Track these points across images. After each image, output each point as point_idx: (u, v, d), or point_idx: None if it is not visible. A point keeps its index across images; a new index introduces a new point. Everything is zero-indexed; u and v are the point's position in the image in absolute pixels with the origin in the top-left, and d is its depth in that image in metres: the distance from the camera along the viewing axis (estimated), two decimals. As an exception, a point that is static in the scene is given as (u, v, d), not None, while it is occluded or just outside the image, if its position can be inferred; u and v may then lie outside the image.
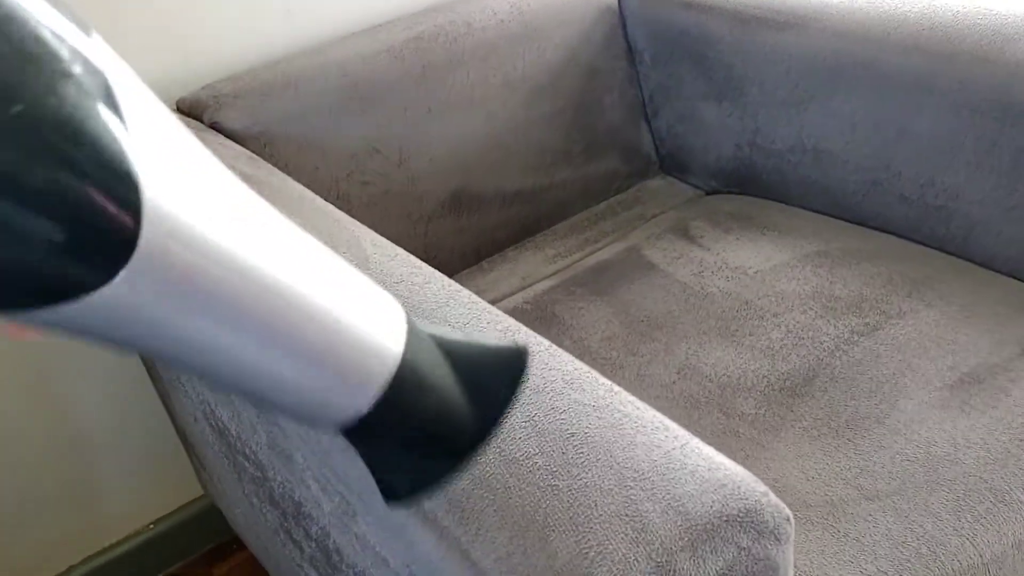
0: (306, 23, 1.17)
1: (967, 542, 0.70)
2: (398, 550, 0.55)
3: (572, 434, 0.50)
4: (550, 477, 0.48)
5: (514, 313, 1.06)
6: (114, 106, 0.26)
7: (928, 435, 0.78)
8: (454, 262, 1.20)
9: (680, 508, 0.46)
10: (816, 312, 0.96)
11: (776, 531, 0.47)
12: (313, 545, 0.75)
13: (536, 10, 1.20)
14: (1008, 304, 0.93)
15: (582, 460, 0.49)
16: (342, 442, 0.56)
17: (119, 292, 0.26)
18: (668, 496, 0.46)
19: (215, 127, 1.01)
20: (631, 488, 0.47)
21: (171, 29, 1.07)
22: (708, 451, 0.50)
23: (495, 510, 0.47)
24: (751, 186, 1.26)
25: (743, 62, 1.18)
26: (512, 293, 1.12)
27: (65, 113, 0.24)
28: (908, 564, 0.68)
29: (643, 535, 0.45)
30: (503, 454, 0.50)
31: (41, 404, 1.16)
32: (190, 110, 1.03)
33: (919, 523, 0.71)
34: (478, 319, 0.61)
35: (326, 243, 0.71)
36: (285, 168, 1.03)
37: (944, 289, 0.96)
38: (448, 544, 0.48)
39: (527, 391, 0.54)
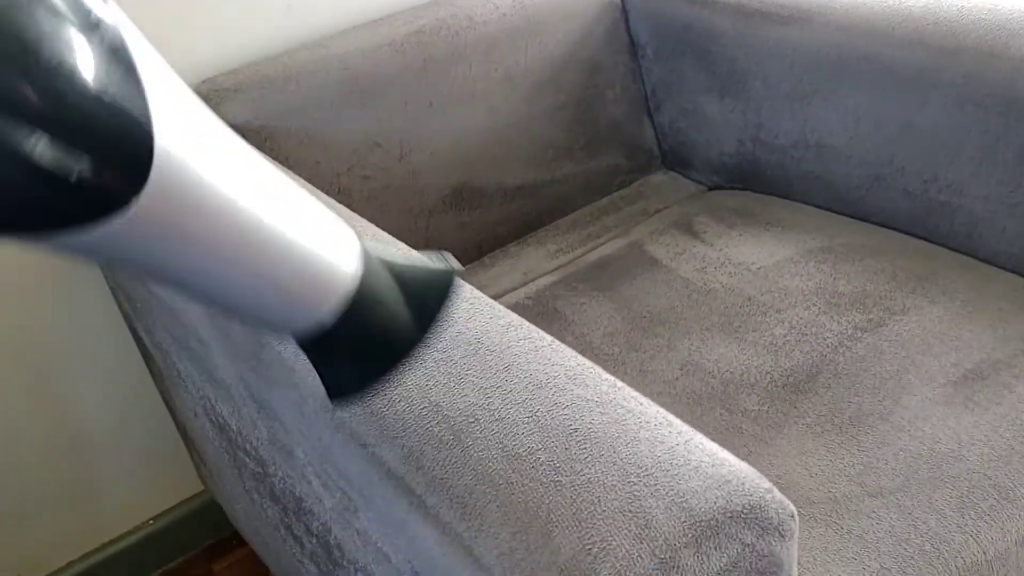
0: (307, 17, 1.16)
1: (971, 539, 0.69)
2: (400, 545, 0.54)
3: (575, 430, 0.50)
4: (553, 473, 0.48)
5: (516, 308, 1.05)
6: (129, 57, 0.30)
7: (932, 432, 0.78)
8: (455, 257, 1.19)
9: (684, 504, 0.45)
10: (819, 308, 0.95)
11: (780, 527, 0.47)
12: (314, 541, 0.75)
13: (538, 4, 1.20)
14: (1012, 300, 0.92)
15: (585, 456, 0.48)
16: (343, 438, 0.56)
17: (135, 217, 0.30)
18: (672, 492, 0.46)
19: (216, 121, 1.00)
20: (635, 484, 0.47)
21: (172, 23, 1.07)
22: (712, 447, 0.49)
23: (498, 506, 0.47)
24: (754, 181, 1.25)
25: (746, 56, 1.17)
26: (514, 288, 1.12)
27: (93, 61, 0.28)
28: (912, 561, 0.68)
29: (647, 531, 0.44)
30: (506, 450, 0.50)
31: (42, 401, 1.15)
32: (191, 104, 1.03)
33: (923, 520, 0.70)
34: (480, 314, 0.61)
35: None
36: (286, 162, 1.03)
37: (948, 285, 0.95)
38: (451, 540, 0.48)
39: (529, 387, 0.54)
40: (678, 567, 0.44)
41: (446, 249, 1.17)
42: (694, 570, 0.44)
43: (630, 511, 0.45)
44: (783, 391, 0.86)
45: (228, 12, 1.10)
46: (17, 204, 0.29)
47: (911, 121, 1.02)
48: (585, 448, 0.49)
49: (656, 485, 0.46)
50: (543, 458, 0.49)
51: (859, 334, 0.90)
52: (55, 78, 0.27)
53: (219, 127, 0.35)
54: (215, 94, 1.02)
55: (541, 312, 1.04)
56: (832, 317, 0.94)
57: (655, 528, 0.44)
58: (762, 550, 0.46)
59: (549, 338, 0.58)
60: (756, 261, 1.05)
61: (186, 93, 0.34)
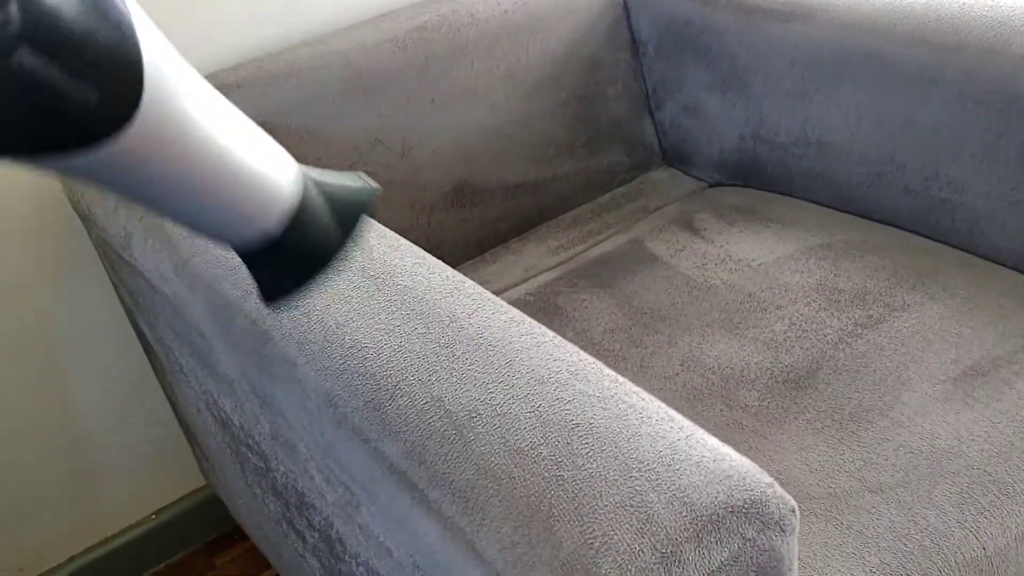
0: (309, 13, 1.16)
1: (970, 535, 0.70)
2: (402, 540, 0.55)
3: (577, 425, 0.50)
4: (555, 467, 0.48)
5: (517, 304, 1.06)
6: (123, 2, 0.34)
7: (932, 428, 0.78)
8: (457, 253, 1.19)
9: (685, 499, 0.46)
10: (820, 305, 0.95)
11: (781, 522, 0.47)
12: (316, 535, 0.75)
13: (540, 1, 1.20)
14: (1012, 297, 0.92)
15: (587, 451, 0.49)
16: (345, 433, 0.56)
17: (128, 140, 0.35)
18: (673, 487, 0.46)
19: (218, 117, 1.00)
20: (636, 479, 0.47)
21: (174, 18, 1.07)
22: (713, 442, 0.49)
23: (500, 500, 0.47)
24: (755, 178, 1.25)
25: (747, 53, 1.17)
26: (515, 285, 1.12)
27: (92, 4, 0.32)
28: (911, 556, 0.68)
29: (648, 526, 0.45)
30: (508, 445, 0.50)
31: (44, 396, 1.16)
32: (193, 100, 1.03)
33: (922, 516, 0.71)
34: (483, 309, 0.61)
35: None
36: (288, 158, 1.03)
37: (948, 282, 0.96)
38: (453, 534, 0.48)
39: (531, 383, 0.54)
40: (679, 561, 0.44)
41: (448, 245, 1.18)
42: (695, 564, 0.44)
43: (632, 506, 0.45)
44: (783, 387, 0.86)
45: (230, 8, 1.10)
46: (29, 129, 0.32)
47: (912, 118, 1.03)
48: (587, 443, 0.49)
49: (657, 480, 0.47)
50: (545, 453, 0.49)
51: (859, 330, 0.91)
52: (59, 9, 0.31)
53: (184, 62, 0.40)
54: (217, 90, 1.02)
55: (542, 308, 1.04)
56: (832, 313, 0.94)
57: (656, 523, 0.45)
58: (763, 545, 0.46)
59: (551, 334, 0.58)
60: (757, 258, 1.05)
61: (155, 29, 0.38)
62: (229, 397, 0.79)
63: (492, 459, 0.49)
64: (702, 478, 0.47)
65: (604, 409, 0.51)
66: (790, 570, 0.49)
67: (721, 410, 0.85)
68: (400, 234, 0.74)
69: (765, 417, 0.83)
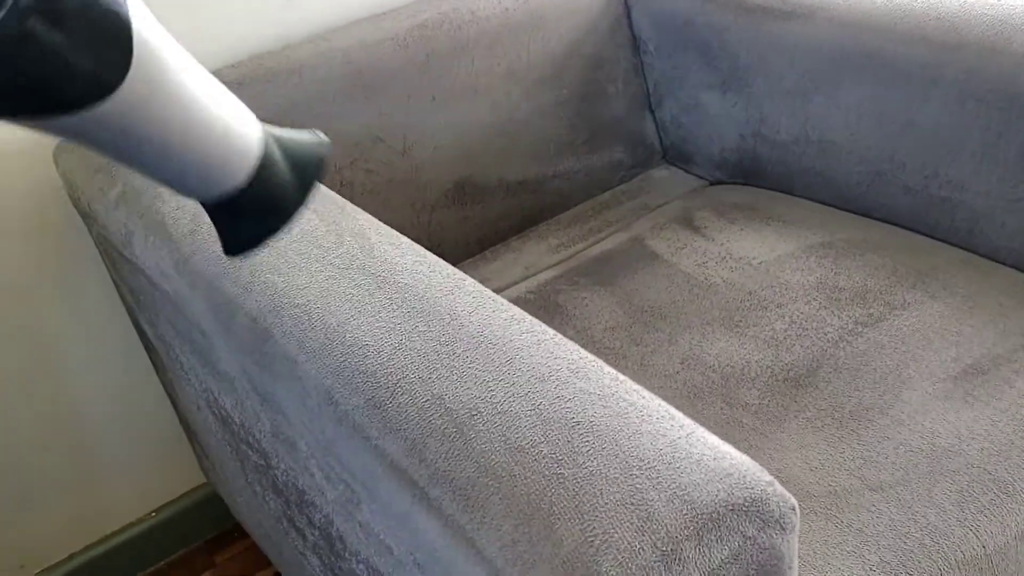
0: (310, 10, 1.16)
1: (970, 533, 0.70)
2: (402, 538, 0.55)
3: (577, 423, 0.50)
4: (556, 466, 0.48)
5: (517, 302, 1.06)
6: None
7: (932, 426, 0.78)
8: (457, 251, 1.19)
9: (686, 497, 0.46)
10: (820, 303, 0.95)
11: (781, 520, 0.47)
12: (316, 533, 0.75)
13: (541, -1, 1.20)
14: (1012, 295, 0.92)
15: (587, 449, 0.49)
16: (346, 431, 0.56)
17: (117, 101, 0.38)
18: (674, 485, 0.46)
19: (218, 115, 1.00)
20: (636, 477, 0.47)
21: (175, 16, 1.07)
22: (714, 440, 0.50)
23: (500, 498, 0.47)
24: (755, 177, 1.25)
25: (748, 52, 1.17)
26: (515, 283, 1.12)
27: None
28: (911, 555, 0.68)
29: (648, 524, 0.45)
30: (508, 442, 0.50)
31: (45, 394, 1.16)
32: (193, 97, 1.03)
33: (922, 514, 0.71)
34: (483, 307, 0.61)
35: (331, 232, 0.71)
36: (288, 156, 1.03)
37: (948, 280, 0.96)
38: (453, 532, 0.48)
39: (531, 381, 0.54)
40: (680, 559, 0.44)
41: (448, 243, 1.18)
42: (695, 562, 0.45)
43: (632, 504, 0.46)
44: (783, 385, 0.86)
45: (232, 5, 1.10)
46: (31, 91, 0.35)
47: (912, 117, 1.03)
48: (587, 441, 0.49)
49: (658, 478, 0.47)
50: (545, 451, 0.49)
51: (859, 329, 0.91)
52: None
53: (163, 29, 0.42)
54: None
55: (543, 306, 1.04)
56: (833, 312, 0.94)
57: (657, 521, 0.45)
58: (763, 543, 0.46)
59: (551, 332, 0.59)
60: (757, 256, 1.05)
61: (140, 1, 0.41)
62: (230, 395, 0.79)
63: (493, 457, 0.49)
64: (702, 476, 0.47)
65: (604, 407, 0.51)
66: (790, 568, 0.49)
67: (721, 408, 0.85)
68: (401, 232, 0.74)
69: (765, 415, 0.83)
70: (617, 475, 0.47)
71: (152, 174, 0.45)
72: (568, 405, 0.52)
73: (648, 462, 0.48)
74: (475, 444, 0.50)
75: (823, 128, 1.13)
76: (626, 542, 0.44)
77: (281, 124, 1.12)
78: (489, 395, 0.53)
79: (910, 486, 0.73)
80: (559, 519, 0.46)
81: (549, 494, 0.47)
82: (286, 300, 0.65)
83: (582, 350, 0.57)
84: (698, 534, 0.45)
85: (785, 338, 0.92)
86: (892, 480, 0.74)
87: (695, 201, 1.22)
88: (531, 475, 0.48)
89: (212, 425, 0.95)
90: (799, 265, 1.02)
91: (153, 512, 1.31)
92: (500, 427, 0.51)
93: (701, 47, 1.23)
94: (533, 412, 0.51)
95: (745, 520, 0.46)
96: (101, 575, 1.28)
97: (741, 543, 0.46)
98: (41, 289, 1.11)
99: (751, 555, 0.46)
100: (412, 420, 0.53)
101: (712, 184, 1.30)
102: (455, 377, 0.55)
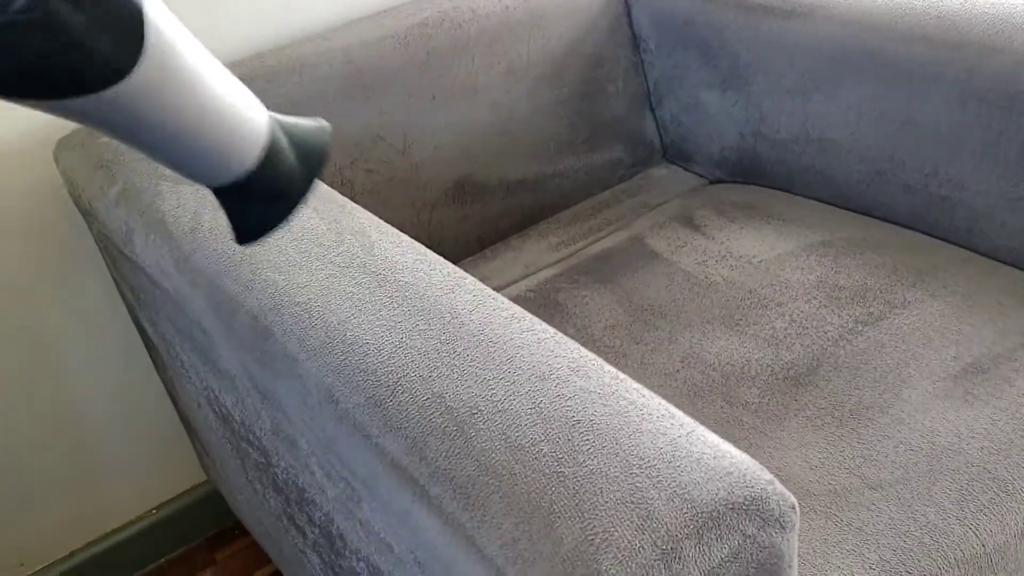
0: (310, 9, 1.16)
1: (970, 531, 0.70)
2: (403, 536, 0.55)
3: (578, 421, 0.50)
4: (556, 464, 0.48)
5: (517, 301, 1.06)
6: None
7: (932, 425, 0.78)
8: (457, 250, 1.19)
9: (685, 496, 0.46)
10: (820, 302, 0.95)
11: (781, 519, 0.47)
12: (316, 531, 0.75)
13: (541, -3, 1.20)
14: (1012, 294, 0.93)
15: (588, 447, 0.49)
16: (346, 428, 0.56)
17: (131, 84, 0.39)
18: (674, 484, 0.46)
19: (219, 113, 1.00)
20: (636, 475, 0.47)
21: (175, 14, 1.07)
22: (713, 439, 0.50)
23: (501, 496, 0.47)
24: (755, 175, 1.25)
25: (748, 51, 1.17)
26: (515, 281, 1.12)
27: None
28: (910, 553, 0.68)
29: (648, 522, 0.45)
30: (509, 441, 0.50)
31: (45, 392, 1.16)
32: (194, 96, 1.03)
33: (922, 512, 0.71)
34: (484, 306, 0.61)
35: (331, 230, 0.71)
36: (289, 154, 1.03)
37: (948, 279, 0.96)
38: (453, 530, 0.48)
39: (532, 379, 0.54)
40: (679, 558, 0.44)
41: (448, 241, 1.18)
42: (695, 561, 0.45)
43: (632, 502, 0.46)
44: (783, 384, 0.86)
45: (232, 4, 1.10)
46: (47, 73, 0.36)
47: (913, 116, 1.03)
48: (587, 439, 0.49)
49: (658, 476, 0.47)
50: (546, 449, 0.49)
51: (859, 328, 0.91)
52: None
53: (172, 15, 0.43)
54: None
55: (543, 304, 1.05)
56: (832, 310, 0.94)
57: (657, 519, 0.45)
58: (763, 541, 0.47)
59: (552, 330, 0.59)
60: (757, 254, 1.06)
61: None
62: (230, 393, 0.79)
63: (493, 455, 0.49)
64: (702, 475, 0.47)
65: (605, 406, 0.51)
66: (790, 567, 0.49)
67: (721, 407, 0.85)
68: (401, 230, 0.74)
69: (765, 414, 0.83)
70: (617, 473, 0.47)
71: (163, 158, 0.46)
72: (568, 403, 0.52)
73: (648, 461, 0.48)
74: (475, 442, 0.50)
75: (823, 127, 1.13)
76: (626, 540, 0.44)
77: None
78: (489, 393, 0.53)
79: (910, 485, 0.73)
80: (559, 517, 0.46)
81: (549, 492, 0.47)
82: (287, 298, 0.65)
83: (582, 348, 0.57)
84: (698, 532, 0.45)
85: (785, 337, 0.92)
86: (892, 479, 0.74)
87: (695, 200, 1.22)
88: (531, 473, 0.48)
89: (212, 423, 0.95)
90: (799, 264, 1.02)
91: (154, 509, 1.31)
92: (500, 425, 0.51)
93: (701, 46, 1.23)
94: (533, 410, 0.52)
95: (745, 519, 0.46)
96: (102, 572, 1.28)
97: (741, 542, 0.46)
98: (41, 288, 1.11)
99: (751, 553, 0.46)
100: (412, 418, 0.53)
101: (712, 183, 1.30)
102: (455, 375, 0.55)
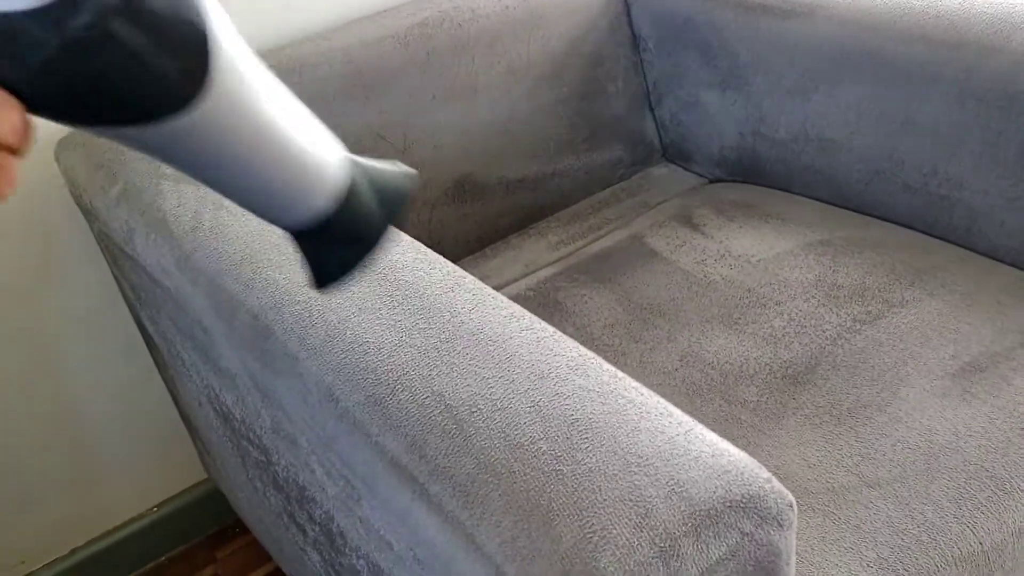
0: (310, 8, 1.16)
1: (967, 530, 0.70)
2: (402, 534, 0.55)
3: (576, 420, 0.51)
4: (554, 462, 0.48)
5: (517, 300, 1.06)
6: None
7: (929, 423, 0.79)
8: (457, 249, 1.20)
9: (684, 493, 0.46)
10: (819, 300, 0.96)
11: (779, 517, 0.47)
12: (317, 529, 0.76)
13: (541, -3, 1.20)
14: (1010, 293, 0.93)
15: (586, 445, 0.49)
16: (346, 427, 0.57)
17: (198, 115, 0.37)
18: (672, 482, 0.47)
19: (219, 112, 1.01)
20: (635, 473, 0.47)
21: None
22: (712, 437, 0.50)
23: (500, 494, 0.48)
24: (755, 175, 1.25)
25: (748, 50, 1.18)
26: (515, 280, 1.13)
27: None
28: (908, 551, 0.69)
29: (647, 520, 0.45)
30: (508, 439, 0.50)
31: (46, 390, 1.16)
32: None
33: (919, 511, 0.71)
34: (483, 305, 0.61)
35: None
36: (289, 154, 1.03)
37: (947, 278, 0.96)
38: (453, 528, 0.49)
39: (531, 377, 0.54)
40: (677, 556, 0.44)
41: (448, 240, 1.18)
42: (693, 559, 0.45)
43: (630, 500, 0.46)
44: (782, 382, 0.86)
45: (232, 4, 1.11)
46: (109, 99, 0.34)
47: (912, 115, 1.03)
48: (586, 438, 0.49)
49: (656, 475, 0.47)
50: (545, 447, 0.49)
51: (858, 326, 0.91)
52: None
53: (241, 40, 0.41)
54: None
55: (542, 303, 1.05)
56: (831, 309, 0.94)
57: (655, 517, 0.45)
58: (761, 539, 0.47)
59: (551, 329, 0.59)
60: (756, 253, 1.06)
61: (220, 9, 0.39)
62: (231, 391, 0.79)
63: (492, 453, 0.50)
64: (700, 473, 0.47)
65: (603, 404, 0.52)
66: (788, 564, 0.50)
67: (720, 405, 0.85)
68: (401, 229, 0.74)
69: (763, 412, 0.84)
70: (616, 472, 0.47)
71: (234, 197, 0.44)
72: (567, 402, 0.52)
73: (646, 459, 0.48)
74: (475, 441, 0.51)
75: (822, 126, 1.13)
76: (624, 538, 0.44)
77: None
78: (489, 392, 0.53)
79: (907, 483, 0.74)
80: (558, 515, 0.46)
81: (548, 490, 0.47)
82: (287, 297, 0.65)
83: (581, 347, 0.57)
84: (696, 530, 0.45)
85: (784, 335, 0.92)
86: (890, 477, 0.74)
87: (694, 199, 1.22)
88: (530, 471, 0.48)
89: (213, 421, 0.95)
90: (798, 263, 1.02)
91: (154, 508, 1.32)
92: (499, 424, 0.51)
93: (701, 45, 1.23)
94: (532, 409, 0.52)
95: (743, 516, 0.46)
96: (102, 570, 1.29)
97: (739, 539, 0.46)
98: (42, 287, 1.11)
99: (749, 551, 0.47)
100: (412, 417, 0.53)
101: (711, 182, 1.30)
102: (455, 374, 0.55)
